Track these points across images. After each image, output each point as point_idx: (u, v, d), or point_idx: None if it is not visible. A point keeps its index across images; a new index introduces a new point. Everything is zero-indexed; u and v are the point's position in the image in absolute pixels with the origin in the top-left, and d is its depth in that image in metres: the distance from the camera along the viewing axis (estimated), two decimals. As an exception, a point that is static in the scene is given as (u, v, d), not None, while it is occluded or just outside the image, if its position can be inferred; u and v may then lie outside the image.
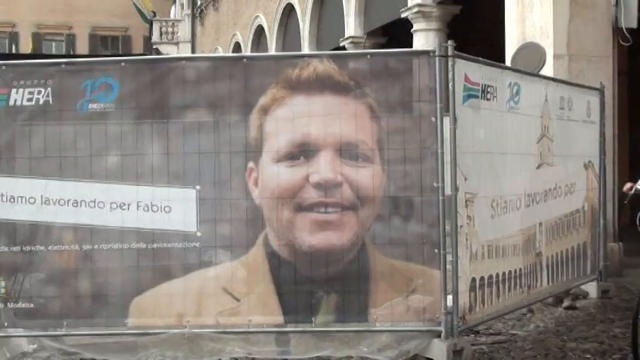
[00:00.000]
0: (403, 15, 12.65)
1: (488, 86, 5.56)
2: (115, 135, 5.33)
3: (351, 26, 15.17)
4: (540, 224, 6.27)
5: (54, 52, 42.42)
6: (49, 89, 5.37)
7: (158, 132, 5.33)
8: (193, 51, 33.15)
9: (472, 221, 5.34)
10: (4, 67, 5.45)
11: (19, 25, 42.69)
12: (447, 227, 5.12)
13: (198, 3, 32.47)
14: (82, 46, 42.98)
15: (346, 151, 5.15)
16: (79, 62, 5.69)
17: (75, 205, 5.26)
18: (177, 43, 34.41)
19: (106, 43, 43.72)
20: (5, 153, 5.37)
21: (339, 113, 5.21)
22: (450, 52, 5.23)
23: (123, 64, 5.46)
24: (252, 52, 23.20)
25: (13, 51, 41.54)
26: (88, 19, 42.89)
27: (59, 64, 5.53)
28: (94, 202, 5.27)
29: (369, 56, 5.45)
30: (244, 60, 5.54)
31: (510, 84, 5.85)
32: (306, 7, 17.84)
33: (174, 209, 5.22)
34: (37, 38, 42.57)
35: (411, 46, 12.39)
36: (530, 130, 6.18)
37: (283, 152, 5.18)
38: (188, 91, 5.35)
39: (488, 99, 5.55)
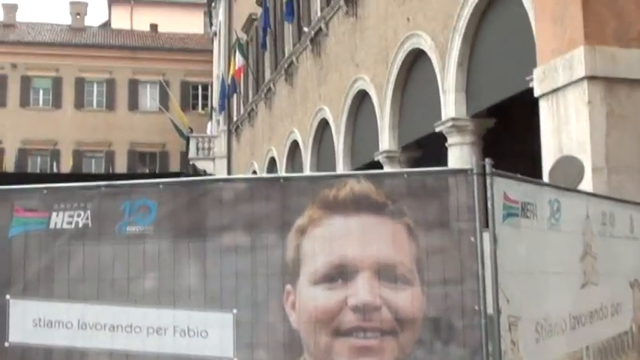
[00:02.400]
0: (437, 129, 12.73)
1: (528, 204, 5.48)
2: (153, 257, 5.31)
3: (386, 140, 15.28)
4: (587, 348, 6.05)
5: (93, 168, 43.35)
6: (88, 212, 5.39)
7: (195, 254, 5.29)
8: (229, 166, 33.59)
9: (516, 346, 5.16)
10: (45, 191, 5.49)
11: (60, 143, 43.72)
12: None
13: (234, 119, 33.06)
14: (121, 163, 43.80)
15: (385, 273, 5.05)
16: (118, 185, 5.73)
17: (111, 329, 5.21)
18: (213, 159, 34.92)
19: (144, 159, 44.52)
20: (44, 276, 5.37)
21: (377, 233, 5.15)
22: (487, 170, 5.16)
23: (161, 186, 5.50)
24: (287, 166, 23.45)
25: (54, 168, 42.45)
26: (127, 135, 43.84)
27: (99, 187, 5.56)
28: (131, 326, 5.20)
29: (405, 175, 5.42)
30: (281, 181, 5.53)
31: (550, 201, 5.76)
32: (341, 122, 18.06)
33: (210, 334, 5.12)
34: (77, 155, 43.49)
35: (446, 160, 12.44)
36: (573, 248, 6.05)
37: (321, 274, 5.09)
38: (225, 212, 5.33)
39: (528, 217, 5.45)
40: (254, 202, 5.32)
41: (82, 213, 5.40)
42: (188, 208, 5.38)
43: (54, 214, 5.40)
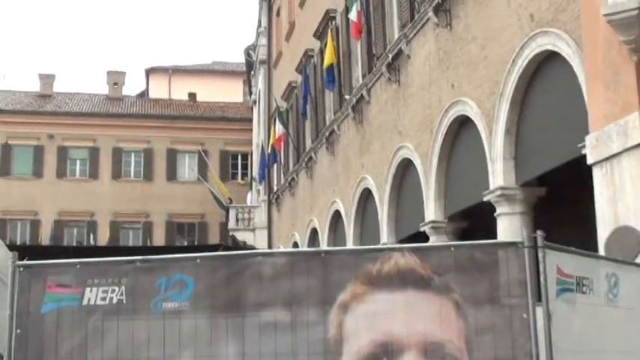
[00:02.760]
0: (485, 198, 12.62)
1: (584, 278, 5.38)
2: (189, 334, 5.28)
3: (431, 210, 15.19)
4: None
5: (131, 240, 43.71)
6: (123, 288, 5.40)
7: (233, 331, 5.26)
8: (270, 237, 33.64)
9: None
10: (78, 267, 5.53)
11: (97, 214, 44.22)
12: None
13: (275, 189, 33.24)
14: (159, 234, 44.09)
15: (432, 352, 4.97)
16: (153, 260, 5.74)
17: (145, 412, 5.16)
18: (253, 230, 35.01)
19: (183, 230, 44.78)
20: (77, 354, 5.37)
21: (423, 310, 5.08)
22: (539, 243, 5.10)
23: (198, 260, 5.50)
24: (329, 237, 23.39)
25: (91, 240, 42.88)
26: (165, 206, 44.22)
27: (134, 261, 5.58)
28: (165, 408, 5.16)
29: (452, 248, 5.37)
30: (322, 255, 5.53)
31: (607, 275, 5.65)
32: (384, 191, 18.04)
33: (249, 417, 5.06)
34: (114, 227, 43.91)
35: (495, 230, 12.30)
36: (633, 325, 5.89)
37: (365, 353, 5.02)
38: (264, 287, 5.31)
39: (584, 292, 5.35)
40: (294, 277, 5.30)
41: (117, 289, 5.41)
42: (226, 283, 5.36)
43: (87, 289, 5.42)
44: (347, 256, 5.60)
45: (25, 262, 5.52)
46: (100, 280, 5.44)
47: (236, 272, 5.38)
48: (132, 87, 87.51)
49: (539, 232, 5.18)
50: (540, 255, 5.07)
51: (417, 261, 5.20)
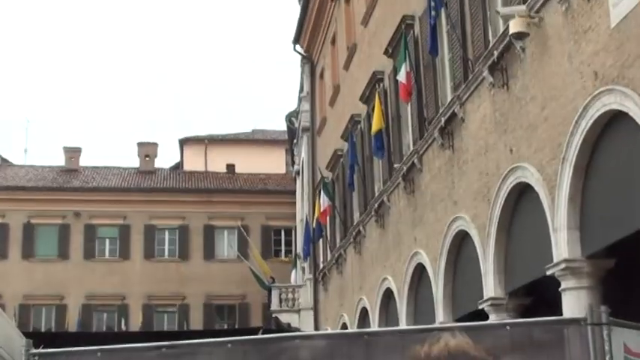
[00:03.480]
0: (549, 272, 12.52)
1: (654, 358, 5.30)
2: None
3: (490, 286, 15.06)
4: None
5: (166, 324, 43.79)
6: (148, 376, 5.43)
7: None
8: (316, 318, 33.51)
9: None
10: (99, 354, 5.57)
11: (128, 297, 44.42)
12: None
13: (321, 266, 33.20)
14: (197, 317, 44.11)
15: None
16: (181, 345, 5.76)
17: None
18: (298, 311, 34.88)
19: (222, 312, 44.78)
20: None
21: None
22: (604, 320, 5.05)
23: (229, 345, 5.51)
24: (380, 317, 23.24)
25: (122, 325, 43.02)
26: (203, 287, 44.27)
27: (159, 347, 5.61)
28: None
29: (508, 327, 5.33)
30: (365, 337, 5.52)
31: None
32: (439, 266, 17.95)
33: None
34: (147, 310, 44.04)
35: (561, 307, 12.15)
36: None
37: None
38: (303, 374, 5.30)
39: (656, 374, 5.26)
40: (335, 363, 5.28)
41: (141, 378, 5.43)
42: (261, 369, 5.36)
43: (109, 379, 5.45)
44: (392, 338, 5.58)
45: (40, 350, 5.58)
46: (123, 367, 5.48)
47: (271, 357, 5.38)
48: (165, 159, 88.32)
49: (603, 308, 5.14)
50: (605, 332, 5.01)
51: (469, 342, 5.10)
